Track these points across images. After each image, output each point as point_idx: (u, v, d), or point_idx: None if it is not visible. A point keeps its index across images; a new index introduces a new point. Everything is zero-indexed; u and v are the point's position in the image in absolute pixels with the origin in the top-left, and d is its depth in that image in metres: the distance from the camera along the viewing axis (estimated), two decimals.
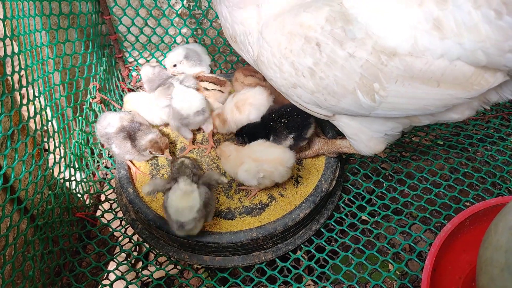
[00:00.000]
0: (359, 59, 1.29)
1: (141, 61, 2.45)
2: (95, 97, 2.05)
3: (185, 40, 2.37)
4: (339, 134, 1.86)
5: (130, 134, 1.77)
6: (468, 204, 1.73)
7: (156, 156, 1.87)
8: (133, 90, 2.37)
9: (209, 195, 1.53)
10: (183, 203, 1.47)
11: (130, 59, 2.45)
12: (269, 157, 1.63)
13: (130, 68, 2.44)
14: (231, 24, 1.53)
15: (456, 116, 1.43)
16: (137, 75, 2.44)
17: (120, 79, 2.37)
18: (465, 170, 1.85)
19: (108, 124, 1.81)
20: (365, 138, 1.54)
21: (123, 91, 2.33)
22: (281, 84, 1.46)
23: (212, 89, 2.03)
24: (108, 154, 2.05)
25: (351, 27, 1.28)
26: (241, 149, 1.70)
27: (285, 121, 1.74)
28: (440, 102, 1.32)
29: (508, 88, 1.33)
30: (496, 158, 1.90)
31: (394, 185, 1.84)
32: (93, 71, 2.07)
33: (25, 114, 1.46)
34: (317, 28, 1.32)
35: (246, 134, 1.78)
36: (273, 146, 1.69)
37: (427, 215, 1.72)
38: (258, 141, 1.72)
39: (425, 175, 1.85)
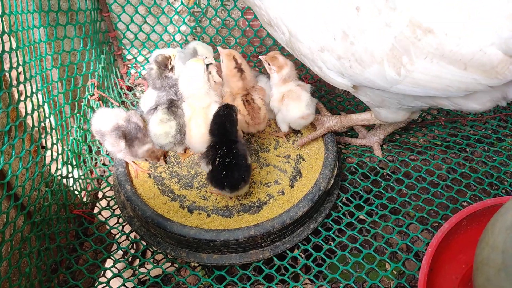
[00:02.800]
0: (394, 29, 1.31)
1: (139, 58, 2.44)
2: (93, 94, 2.05)
3: (184, 38, 2.37)
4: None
5: (126, 135, 1.75)
6: (465, 204, 1.73)
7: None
8: (131, 88, 2.37)
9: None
10: (160, 129, 1.72)
11: (129, 57, 2.44)
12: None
13: (129, 65, 2.44)
14: (265, 10, 1.53)
15: (477, 107, 1.47)
16: (136, 72, 2.44)
17: (119, 76, 2.37)
18: (463, 171, 1.85)
19: (103, 120, 1.78)
20: (391, 108, 1.59)
21: (121, 88, 2.32)
22: (308, 46, 1.45)
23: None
24: (106, 151, 2.05)
25: None
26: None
27: (226, 160, 1.59)
28: (462, 85, 1.35)
29: None
30: (494, 158, 1.91)
31: (392, 184, 1.84)
32: (92, 68, 2.07)
33: (23, 110, 1.45)
34: None
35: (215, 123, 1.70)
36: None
37: (425, 215, 1.72)
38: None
39: (422, 174, 1.86)
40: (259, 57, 1.88)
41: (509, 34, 1.24)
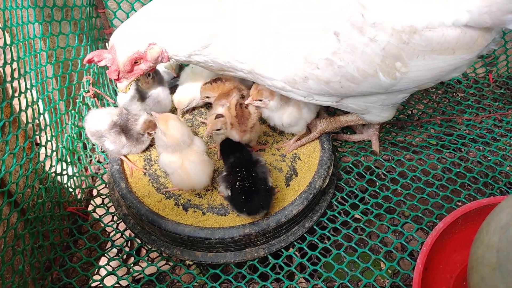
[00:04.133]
0: (380, 42, 1.36)
1: None
2: (88, 91, 2.03)
3: None
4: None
5: (123, 128, 1.74)
6: (460, 203, 1.74)
7: (151, 146, 1.85)
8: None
9: None
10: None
11: None
12: (189, 171, 1.63)
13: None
14: (213, 61, 1.51)
15: (457, 75, 1.58)
16: None
17: None
18: (458, 170, 1.86)
19: (98, 121, 1.77)
20: (376, 111, 1.63)
21: (116, 86, 2.31)
22: (286, 81, 1.46)
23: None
24: (101, 148, 2.04)
25: (368, 12, 1.34)
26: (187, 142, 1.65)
27: (246, 185, 1.55)
28: (453, 67, 1.47)
29: (494, 41, 1.50)
30: (489, 158, 1.91)
31: (387, 184, 1.84)
32: (87, 65, 2.05)
33: (17, 106, 1.44)
34: (334, 17, 1.35)
35: (226, 147, 1.70)
36: (200, 164, 1.64)
37: (419, 214, 1.72)
38: (200, 147, 1.68)
39: (418, 174, 1.86)
40: (247, 103, 1.71)
41: (480, 10, 1.36)
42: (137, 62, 1.49)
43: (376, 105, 1.60)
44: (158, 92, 1.85)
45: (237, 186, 1.54)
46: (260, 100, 1.69)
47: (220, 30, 1.43)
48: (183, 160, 1.61)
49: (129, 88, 1.62)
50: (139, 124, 1.74)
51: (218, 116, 1.71)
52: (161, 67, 2.10)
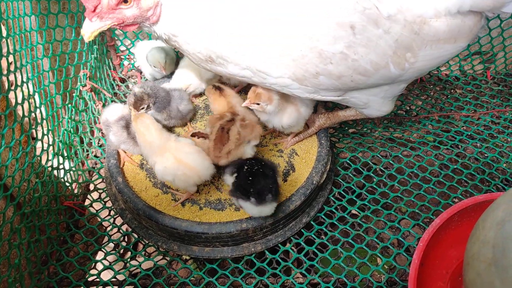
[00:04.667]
0: (394, 34, 1.39)
1: (133, 50, 2.41)
2: (85, 85, 2.02)
3: None
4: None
5: (128, 123, 1.74)
6: (456, 200, 1.74)
7: None
8: (124, 80, 2.35)
9: None
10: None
11: (122, 48, 2.41)
12: (189, 163, 1.55)
13: (122, 57, 2.41)
14: (206, 48, 1.41)
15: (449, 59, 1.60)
16: (129, 64, 2.41)
17: (112, 68, 2.34)
18: (455, 167, 1.86)
19: (111, 112, 1.78)
20: (376, 104, 1.64)
21: (114, 80, 2.30)
22: (295, 78, 1.43)
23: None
24: (98, 143, 2.03)
25: (382, 5, 1.36)
26: (166, 138, 1.60)
27: (254, 168, 1.51)
28: (453, 55, 1.53)
29: (482, 28, 1.56)
30: (486, 155, 1.92)
31: (384, 180, 1.85)
32: (84, 58, 2.04)
33: (13, 100, 1.43)
34: (349, 10, 1.34)
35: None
36: (196, 152, 1.58)
37: (416, 210, 1.73)
38: (187, 140, 1.61)
39: (415, 170, 1.86)
40: (243, 105, 1.65)
41: None
42: (126, 1, 1.33)
43: (377, 97, 1.60)
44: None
45: (245, 170, 1.50)
46: (258, 104, 1.62)
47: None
48: (177, 156, 1.56)
49: (93, 37, 1.39)
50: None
51: (197, 135, 1.69)
52: (147, 69, 2.08)
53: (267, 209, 1.48)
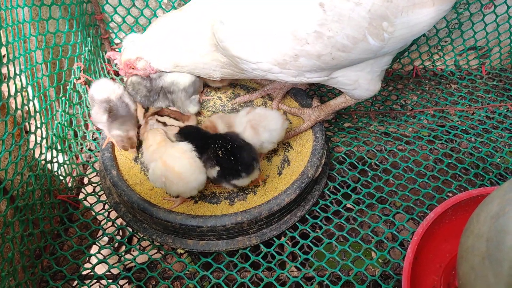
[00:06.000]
0: (366, 4, 1.36)
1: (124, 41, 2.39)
2: (79, 78, 2.00)
3: None
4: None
5: (111, 110, 1.72)
6: (450, 194, 1.75)
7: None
8: (118, 73, 2.32)
9: None
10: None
11: (117, 41, 2.39)
12: (175, 168, 1.53)
13: (116, 50, 2.39)
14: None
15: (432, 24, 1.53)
16: None
17: (106, 61, 2.32)
18: (449, 161, 1.87)
19: (98, 89, 1.76)
20: (365, 82, 1.61)
21: (108, 73, 2.28)
22: (276, 62, 1.45)
23: (171, 125, 1.80)
24: (92, 136, 2.01)
25: None
26: (162, 145, 1.60)
27: (228, 147, 1.55)
28: (434, 20, 1.44)
29: None
30: (480, 149, 1.92)
31: (379, 174, 1.85)
32: (78, 51, 2.02)
33: (6, 92, 1.41)
34: None
35: (185, 134, 1.65)
36: (188, 158, 1.56)
37: (411, 205, 1.74)
38: (182, 144, 1.59)
39: (410, 165, 1.87)
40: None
41: None
42: (132, 67, 1.76)
43: (364, 72, 1.58)
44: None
45: (221, 154, 1.53)
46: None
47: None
48: (164, 159, 1.54)
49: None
50: (114, 132, 1.74)
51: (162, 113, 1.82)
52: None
53: (255, 174, 1.59)
